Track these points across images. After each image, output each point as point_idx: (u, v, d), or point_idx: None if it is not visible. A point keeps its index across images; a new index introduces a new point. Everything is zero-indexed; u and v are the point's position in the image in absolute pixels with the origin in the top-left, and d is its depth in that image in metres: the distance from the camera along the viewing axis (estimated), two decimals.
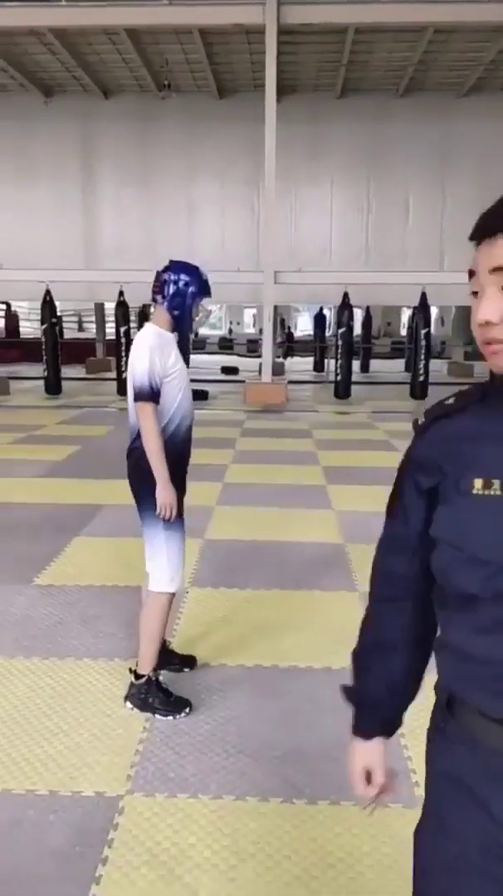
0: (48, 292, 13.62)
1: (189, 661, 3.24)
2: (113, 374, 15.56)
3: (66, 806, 2.34)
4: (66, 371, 14.62)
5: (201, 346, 30.81)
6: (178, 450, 2.83)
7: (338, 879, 2.05)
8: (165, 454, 2.73)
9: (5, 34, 13.76)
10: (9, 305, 24.13)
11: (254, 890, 2.01)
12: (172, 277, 2.81)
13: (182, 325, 2.84)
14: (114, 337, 14.96)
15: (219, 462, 7.67)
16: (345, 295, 13.67)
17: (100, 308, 21.66)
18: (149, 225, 17.73)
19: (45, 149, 17.37)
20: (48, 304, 13.60)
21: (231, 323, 35.08)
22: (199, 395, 14.43)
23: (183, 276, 2.81)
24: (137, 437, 2.77)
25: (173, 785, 2.45)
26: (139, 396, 2.71)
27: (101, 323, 21.75)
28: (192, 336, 2.97)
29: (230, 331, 34.62)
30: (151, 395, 2.71)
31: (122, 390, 14.14)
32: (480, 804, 1.03)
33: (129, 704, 2.87)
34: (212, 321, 48.21)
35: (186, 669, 3.21)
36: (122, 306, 13.72)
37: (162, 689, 2.88)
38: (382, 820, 2.26)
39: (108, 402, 13.08)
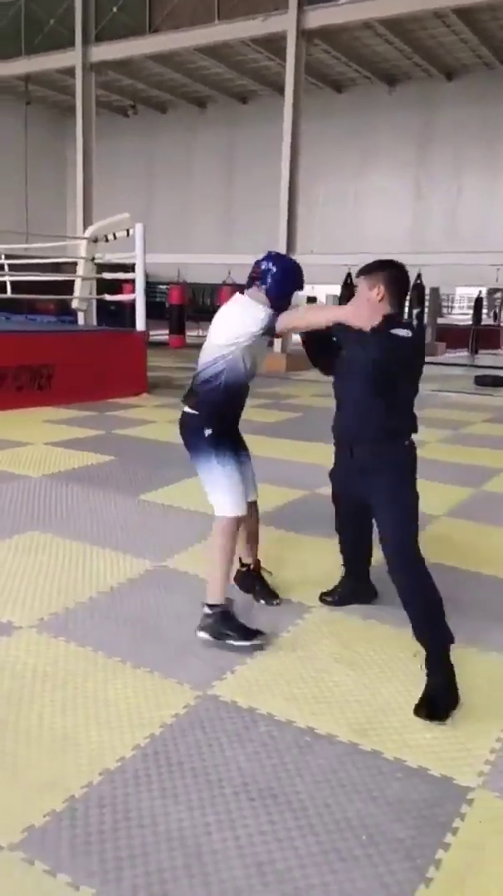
0: (349, 275, 14.36)
1: (270, 595, 3.45)
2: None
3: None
4: None
5: None
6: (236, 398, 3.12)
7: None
8: (228, 399, 3.06)
9: (343, 31, 14.75)
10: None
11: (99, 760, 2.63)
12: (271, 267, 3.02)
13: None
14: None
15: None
16: None
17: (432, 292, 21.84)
18: (485, 208, 17.38)
19: (384, 138, 18.07)
20: (347, 287, 14.38)
21: None
22: (494, 382, 13.99)
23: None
24: (207, 387, 3.03)
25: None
26: (277, 317, 2.92)
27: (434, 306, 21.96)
28: None
29: None
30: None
31: None
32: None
33: (202, 635, 2.99)
34: None
35: (262, 601, 3.41)
36: (417, 289, 13.90)
37: (233, 618, 3.02)
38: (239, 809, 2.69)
39: None
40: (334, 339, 2.92)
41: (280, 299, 3.01)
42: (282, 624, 3.22)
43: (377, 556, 3.13)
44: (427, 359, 13.72)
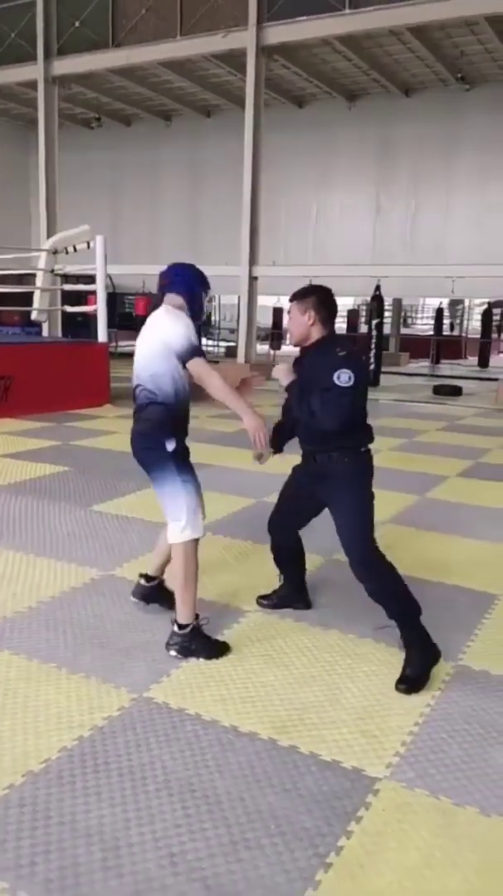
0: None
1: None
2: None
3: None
4: None
5: None
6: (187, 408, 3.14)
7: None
8: (183, 410, 3.08)
9: (302, 47, 15.00)
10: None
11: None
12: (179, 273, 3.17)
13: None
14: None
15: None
16: None
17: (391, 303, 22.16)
18: (442, 222, 17.72)
19: (345, 153, 18.37)
20: None
21: None
22: (452, 391, 14.28)
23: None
24: (149, 404, 3.02)
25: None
26: (196, 353, 2.96)
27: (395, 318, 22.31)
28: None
29: None
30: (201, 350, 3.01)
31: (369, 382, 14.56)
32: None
33: (172, 652, 3.06)
34: None
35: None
36: (376, 300, 14.15)
37: (203, 635, 3.11)
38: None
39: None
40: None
41: (193, 299, 3.12)
42: (218, 627, 3.31)
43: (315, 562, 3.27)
44: (389, 369, 14.04)
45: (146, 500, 5.33)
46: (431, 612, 3.60)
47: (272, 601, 3.60)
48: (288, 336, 3.42)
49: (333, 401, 2.84)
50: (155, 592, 3.52)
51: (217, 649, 3.12)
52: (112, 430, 8.46)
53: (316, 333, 3.03)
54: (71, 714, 2.63)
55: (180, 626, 3.08)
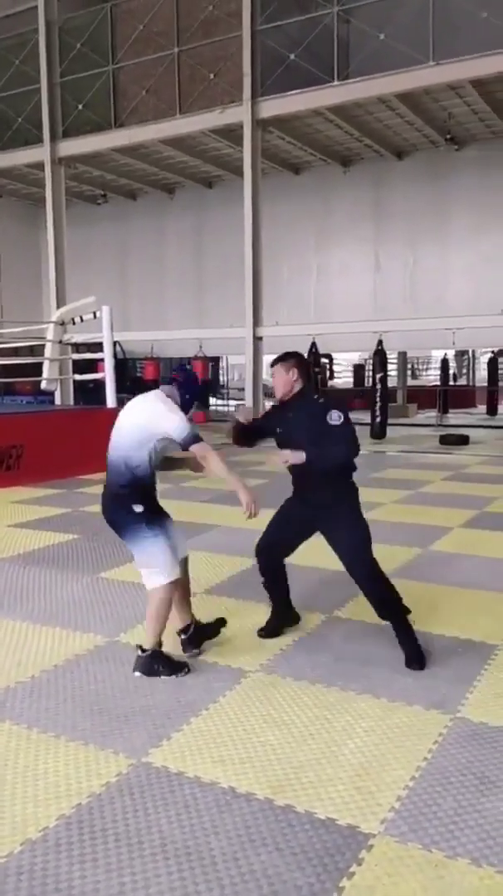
0: (313, 344, 14.86)
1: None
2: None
3: None
4: None
5: None
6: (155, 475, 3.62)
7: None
8: (153, 478, 3.57)
9: (295, 118, 15.64)
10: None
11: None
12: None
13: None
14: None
15: (373, 500, 7.94)
16: None
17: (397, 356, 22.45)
18: (440, 276, 18.09)
19: (342, 214, 18.93)
20: (312, 355, 14.87)
21: None
22: (459, 440, 14.36)
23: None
24: (125, 484, 3.46)
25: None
26: (199, 438, 3.38)
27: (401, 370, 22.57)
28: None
29: None
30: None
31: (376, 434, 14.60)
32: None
33: (137, 673, 3.52)
34: None
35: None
36: (379, 354, 14.37)
37: (164, 656, 3.55)
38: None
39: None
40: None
41: (186, 403, 3.58)
42: (219, 689, 3.35)
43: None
44: (396, 421, 14.30)
45: None
46: (431, 664, 3.64)
47: (268, 630, 4.05)
48: (274, 392, 3.91)
49: (341, 435, 3.51)
50: (198, 635, 3.81)
51: (176, 666, 3.53)
52: None
53: (297, 387, 3.69)
54: (69, 782, 2.67)
55: (143, 650, 3.53)
